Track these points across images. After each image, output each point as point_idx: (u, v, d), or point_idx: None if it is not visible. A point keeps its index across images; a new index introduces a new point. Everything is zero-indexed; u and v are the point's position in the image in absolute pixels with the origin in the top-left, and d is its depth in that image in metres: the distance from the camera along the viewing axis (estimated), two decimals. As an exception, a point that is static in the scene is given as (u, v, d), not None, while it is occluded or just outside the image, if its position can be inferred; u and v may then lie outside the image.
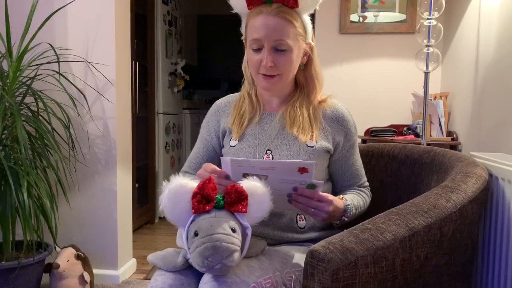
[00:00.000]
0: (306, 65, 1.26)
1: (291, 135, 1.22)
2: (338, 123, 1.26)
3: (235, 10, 1.24)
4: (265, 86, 1.22)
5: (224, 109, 1.33)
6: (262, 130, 1.26)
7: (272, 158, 1.21)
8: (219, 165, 1.11)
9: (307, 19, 1.22)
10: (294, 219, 1.22)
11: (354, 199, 1.23)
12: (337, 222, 1.19)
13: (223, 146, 1.31)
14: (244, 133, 1.25)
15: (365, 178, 1.34)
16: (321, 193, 1.08)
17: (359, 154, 1.33)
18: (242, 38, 1.27)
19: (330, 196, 1.11)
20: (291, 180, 1.03)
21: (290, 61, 1.18)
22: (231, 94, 1.37)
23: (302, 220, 1.23)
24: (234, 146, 1.25)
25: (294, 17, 1.16)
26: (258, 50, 1.18)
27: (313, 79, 1.26)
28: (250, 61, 1.21)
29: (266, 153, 1.22)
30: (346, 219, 1.17)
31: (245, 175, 1.02)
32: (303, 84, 1.27)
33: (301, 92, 1.27)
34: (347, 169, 1.28)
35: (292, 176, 1.02)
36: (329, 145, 1.24)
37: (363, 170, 1.34)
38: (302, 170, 1.01)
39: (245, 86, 1.31)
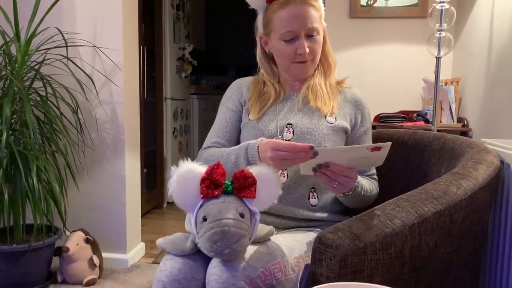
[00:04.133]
0: (322, 45, 1.29)
1: (314, 108, 1.25)
2: (356, 106, 1.31)
3: (252, 6, 1.28)
4: (300, 73, 1.28)
5: (245, 84, 1.36)
6: (284, 107, 1.28)
7: (293, 132, 1.23)
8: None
9: (321, 3, 1.27)
10: (306, 196, 1.23)
11: (362, 179, 1.23)
12: (340, 194, 1.18)
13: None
14: (266, 112, 1.28)
15: (374, 171, 1.34)
16: (349, 169, 1.06)
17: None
18: (259, 33, 1.30)
19: (355, 173, 1.10)
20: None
21: (320, 43, 1.26)
22: (248, 76, 1.40)
23: (315, 198, 1.24)
24: (252, 120, 1.27)
25: (315, 1, 1.23)
26: (292, 40, 1.22)
27: (327, 57, 1.32)
28: (282, 53, 1.24)
29: (286, 127, 1.24)
30: (351, 192, 1.16)
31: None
32: (318, 64, 1.31)
33: (318, 71, 1.32)
34: None
35: (364, 155, 1.02)
36: (347, 125, 1.27)
37: None
38: (375, 149, 1.00)
39: (264, 76, 1.35)
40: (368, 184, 1.25)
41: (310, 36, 1.22)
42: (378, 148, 1.00)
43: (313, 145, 0.99)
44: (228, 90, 1.38)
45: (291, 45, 1.22)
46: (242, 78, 1.39)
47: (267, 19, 1.25)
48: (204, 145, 1.31)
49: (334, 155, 1.03)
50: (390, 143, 1.01)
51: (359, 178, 1.19)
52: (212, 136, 1.32)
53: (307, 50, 1.21)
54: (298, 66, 1.26)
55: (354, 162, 1.06)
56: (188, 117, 4.13)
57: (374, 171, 1.33)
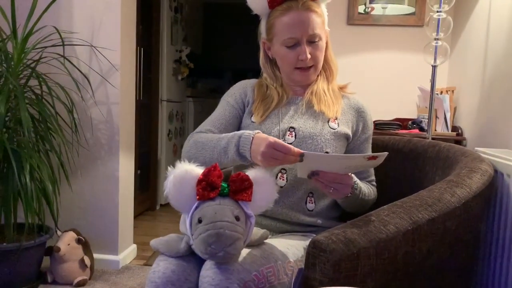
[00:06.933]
0: (325, 51, 1.30)
1: (317, 113, 1.26)
2: (358, 113, 1.32)
3: (255, 12, 1.29)
4: (302, 80, 1.28)
5: (250, 85, 1.36)
6: (287, 110, 1.28)
7: (295, 136, 1.23)
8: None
9: (324, 9, 1.28)
10: (304, 200, 1.23)
11: (361, 183, 1.23)
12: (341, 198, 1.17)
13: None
14: (269, 115, 1.27)
15: (373, 177, 1.34)
16: (343, 176, 1.07)
17: (371, 152, 1.33)
18: (262, 38, 1.32)
19: (350, 179, 1.11)
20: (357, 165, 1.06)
21: (322, 49, 1.26)
22: (252, 79, 1.40)
23: (312, 202, 1.24)
24: (255, 122, 1.26)
25: (318, 7, 1.24)
26: (293, 46, 1.23)
27: (329, 62, 1.33)
28: (285, 58, 1.25)
29: (289, 131, 1.24)
30: (350, 194, 1.15)
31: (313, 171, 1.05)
32: (321, 69, 1.32)
33: (321, 76, 1.32)
34: None
35: (360, 163, 1.05)
36: (348, 131, 1.28)
37: (373, 169, 1.34)
38: (372, 158, 1.01)
39: (267, 80, 1.35)
40: (366, 188, 1.25)
41: (312, 42, 1.23)
42: (375, 157, 1.01)
43: (304, 152, 1.00)
44: (232, 88, 1.37)
45: (293, 51, 1.23)
46: (247, 80, 1.39)
47: (269, 25, 1.26)
48: (197, 129, 1.29)
49: (327, 162, 1.04)
50: (387, 153, 1.02)
51: (358, 181, 1.20)
52: (207, 124, 1.29)
53: (309, 56, 1.22)
54: (300, 73, 1.26)
55: (350, 169, 1.08)
56: (184, 119, 4.12)
57: (373, 177, 1.34)
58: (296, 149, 1.01)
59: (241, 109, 1.32)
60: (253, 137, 1.08)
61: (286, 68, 1.28)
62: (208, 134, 1.22)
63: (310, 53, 1.22)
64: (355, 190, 1.17)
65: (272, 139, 1.03)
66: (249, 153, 1.08)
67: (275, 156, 1.01)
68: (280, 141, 1.03)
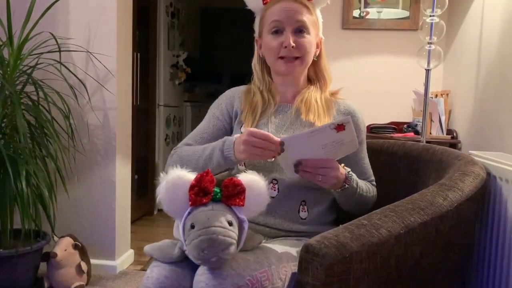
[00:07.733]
0: (318, 58, 1.30)
1: (307, 123, 1.24)
2: None
3: (249, 7, 1.30)
4: (286, 70, 1.25)
5: (238, 94, 1.35)
6: (276, 119, 1.28)
7: None
8: None
9: (319, 13, 1.29)
10: (297, 209, 1.23)
11: (358, 179, 1.24)
12: (338, 190, 1.18)
13: (232, 129, 1.32)
14: (257, 124, 1.27)
15: (372, 178, 1.34)
16: (325, 160, 1.10)
17: (367, 154, 1.34)
18: (255, 35, 1.31)
19: (335, 162, 1.13)
20: (331, 142, 1.07)
21: (309, 43, 1.23)
22: (242, 86, 1.39)
23: (305, 211, 1.24)
24: None
25: (310, 5, 1.25)
26: (279, 32, 1.22)
27: (323, 72, 1.32)
28: (269, 47, 1.24)
29: None
30: (347, 185, 1.17)
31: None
32: (314, 79, 1.33)
33: (314, 86, 1.32)
34: (354, 165, 1.27)
35: (332, 138, 1.06)
36: None
37: (371, 170, 1.34)
38: (339, 128, 1.03)
39: (256, 83, 1.33)
40: (364, 184, 1.26)
41: (298, 31, 1.22)
42: (342, 126, 1.03)
43: (283, 138, 1.04)
44: (220, 97, 1.37)
45: (277, 39, 1.22)
46: (236, 88, 1.37)
47: (260, 18, 1.28)
48: (178, 145, 1.30)
49: (304, 144, 1.06)
50: (349, 117, 1.05)
51: (352, 173, 1.20)
52: (189, 138, 1.31)
53: (293, 44, 1.20)
54: (283, 63, 1.23)
55: (329, 150, 1.09)
56: (181, 124, 4.13)
57: (372, 177, 1.34)
58: (275, 138, 1.04)
59: (226, 121, 1.32)
60: (236, 138, 1.12)
61: (271, 58, 1.26)
62: (192, 147, 1.25)
63: (294, 42, 1.20)
64: (351, 182, 1.17)
65: (251, 128, 1.07)
66: (233, 152, 1.11)
67: (256, 144, 1.04)
68: (259, 130, 1.06)
